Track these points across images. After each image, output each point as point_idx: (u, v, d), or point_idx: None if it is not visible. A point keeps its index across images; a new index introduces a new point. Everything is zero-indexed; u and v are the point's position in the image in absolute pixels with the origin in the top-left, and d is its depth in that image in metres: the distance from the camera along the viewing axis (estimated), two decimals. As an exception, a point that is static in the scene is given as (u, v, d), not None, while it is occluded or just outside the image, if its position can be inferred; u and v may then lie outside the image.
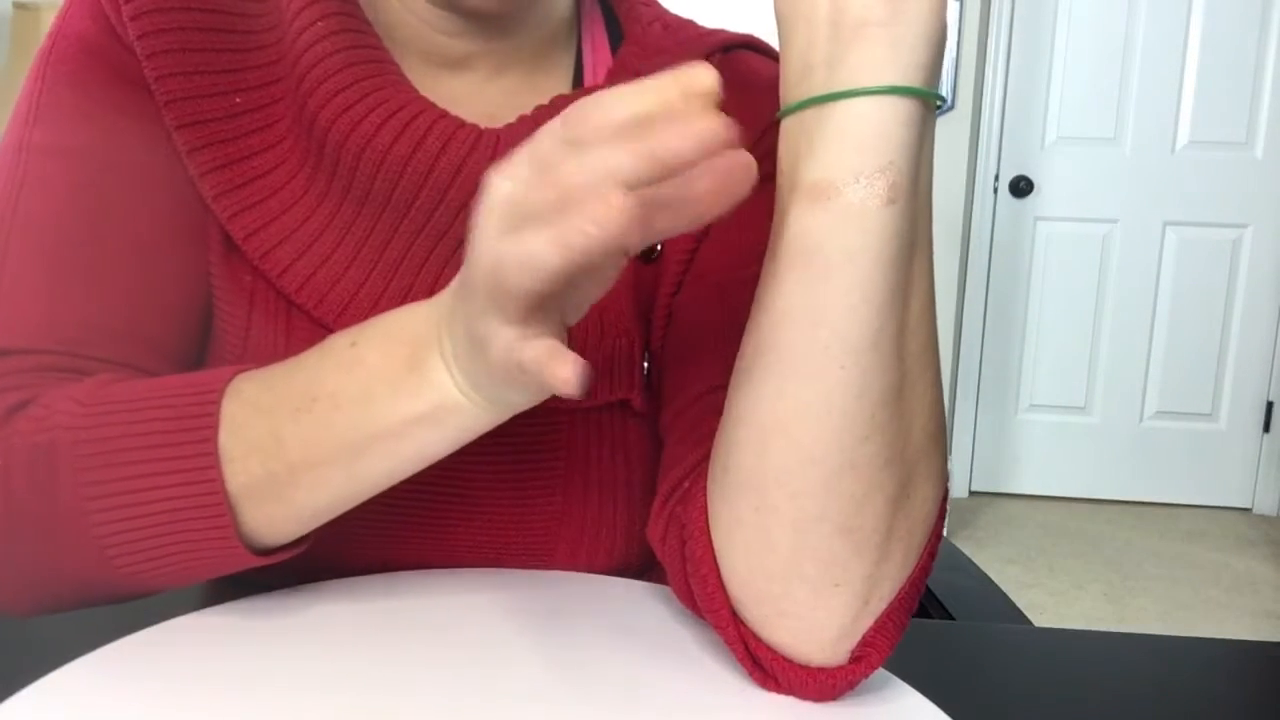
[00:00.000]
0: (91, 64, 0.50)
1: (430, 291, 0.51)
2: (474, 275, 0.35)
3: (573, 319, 0.38)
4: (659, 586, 0.52)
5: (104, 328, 0.48)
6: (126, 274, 0.49)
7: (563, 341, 0.36)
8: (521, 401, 0.40)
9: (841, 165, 0.35)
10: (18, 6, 2.16)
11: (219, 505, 0.41)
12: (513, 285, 0.33)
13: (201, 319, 0.53)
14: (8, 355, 0.46)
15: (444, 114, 0.50)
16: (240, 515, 0.42)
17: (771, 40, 0.48)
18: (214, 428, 0.42)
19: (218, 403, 0.42)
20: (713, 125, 0.30)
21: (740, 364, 0.40)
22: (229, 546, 0.42)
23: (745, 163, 0.31)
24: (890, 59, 0.35)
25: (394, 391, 0.41)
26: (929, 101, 0.37)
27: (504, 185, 0.33)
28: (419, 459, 0.42)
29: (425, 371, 0.40)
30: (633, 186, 0.30)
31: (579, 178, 0.31)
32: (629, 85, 0.31)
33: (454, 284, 0.40)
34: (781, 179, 0.39)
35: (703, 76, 0.31)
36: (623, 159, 0.30)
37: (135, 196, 0.50)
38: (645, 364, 0.55)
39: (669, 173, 0.30)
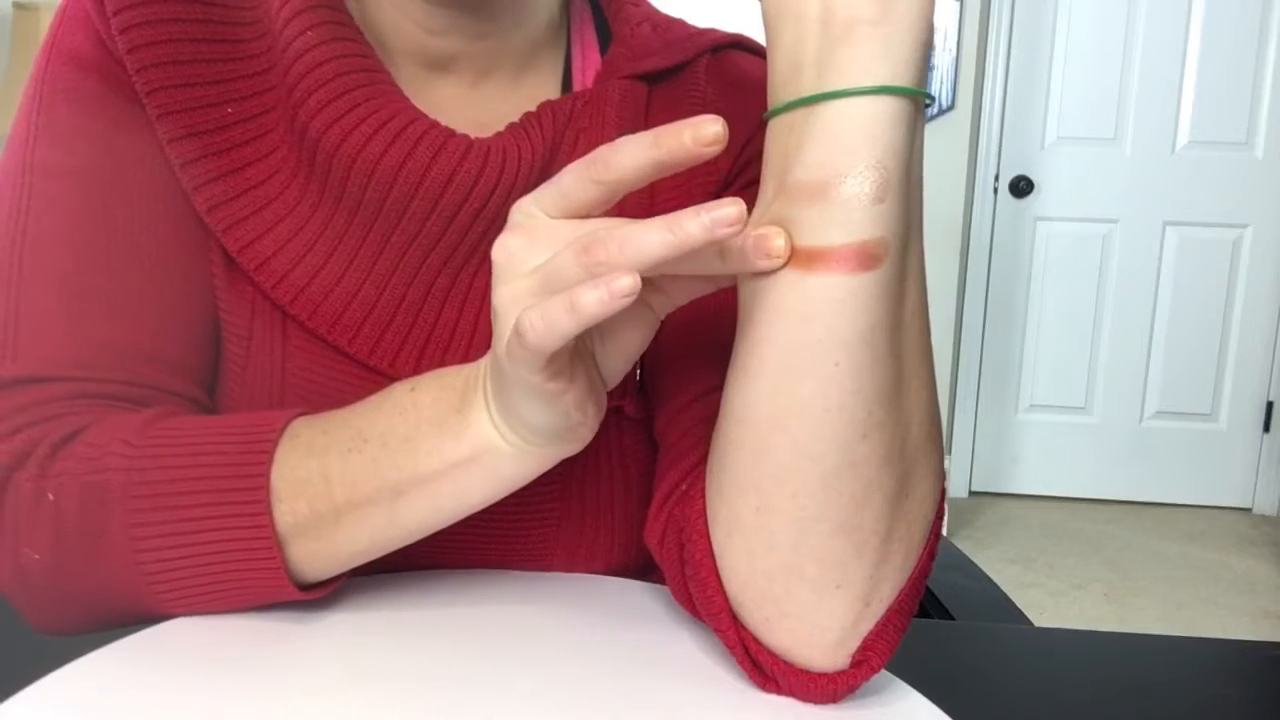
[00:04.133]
0: (87, 80, 0.49)
1: (423, 300, 0.52)
2: (497, 328, 0.39)
3: (611, 378, 0.43)
4: (658, 587, 0.52)
5: (123, 349, 0.48)
6: (139, 293, 0.49)
7: (592, 395, 0.41)
8: (554, 448, 0.43)
9: (831, 164, 0.35)
10: (18, 6, 2.16)
11: (270, 549, 0.43)
12: (530, 343, 0.36)
13: (213, 332, 0.53)
14: (37, 384, 0.46)
15: (434, 124, 0.50)
16: (286, 553, 0.44)
17: (762, 39, 0.48)
18: (266, 475, 0.43)
19: (271, 452, 0.43)
20: (733, 210, 0.34)
21: (735, 362, 0.40)
22: (277, 585, 0.44)
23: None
24: (880, 58, 0.35)
25: (438, 432, 0.42)
26: (918, 100, 0.37)
27: (522, 233, 0.39)
28: (458, 505, 0.44)
29: (467, 413, 0.42)
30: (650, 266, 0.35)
31: (603, 255, 0.35)
32: (644, 137, 0.36)
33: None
34: (766, 178, 0.39)
35: (710, 128, 0.35)
36: (648, 244, 0.34)
37: (140, 214, 0.50)
38: (638, 370, 0.54)
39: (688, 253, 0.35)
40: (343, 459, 0.43)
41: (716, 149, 0.35)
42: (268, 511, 0.43)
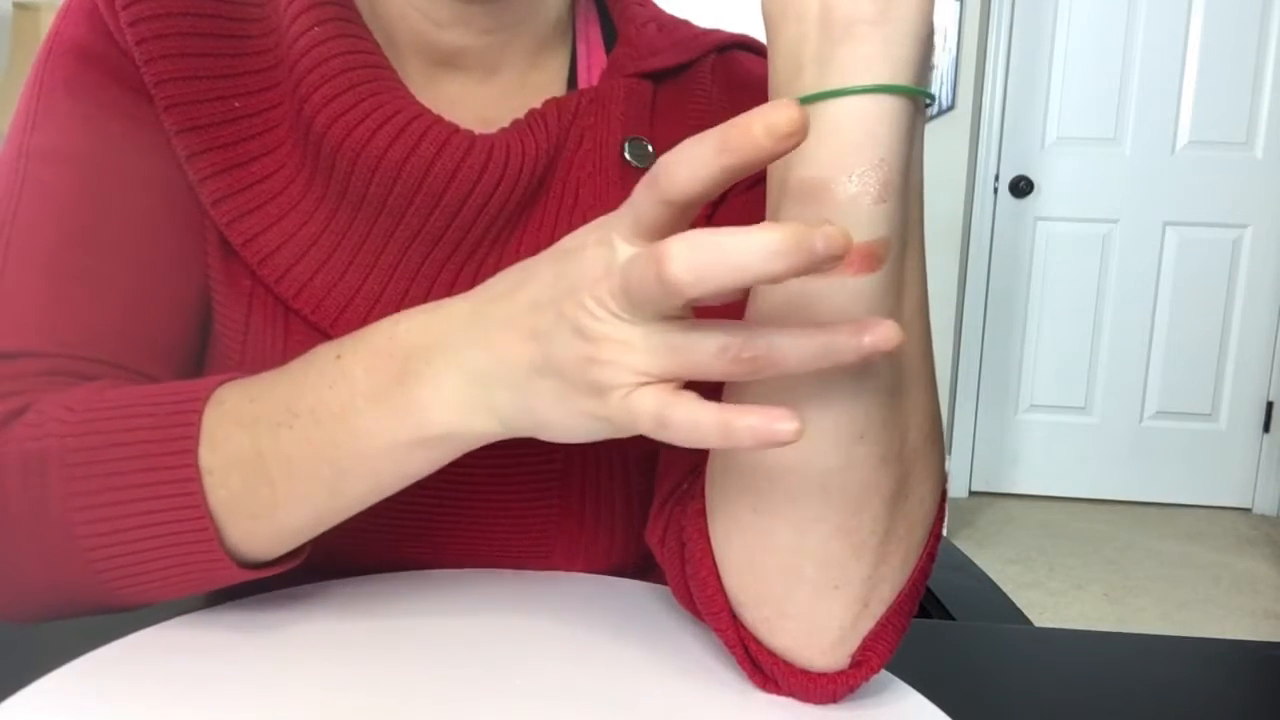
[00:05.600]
0: (89, 69, 0.50)
1: (426, 295, 0.51)
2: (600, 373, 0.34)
3: None
4: (659, 586, 0.52)
5: (104, 330, 0.48)
6: (126, 277, 0.49)
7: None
8: (526, 434, 0.38)
9: (833, 164, 0.35)
10: (18, 6, 2.16)
11: (201, 520, 0.41)
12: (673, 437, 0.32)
13: (201, 321, 0.53)
14: (9, 359, 0.46)
15: (438, 119, 0.50)
16: (224, 530, 0.42)
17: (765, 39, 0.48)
18: (194, 439, 0.41)
19: (199, 412, 0.41)
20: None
21: None
22: (215, 561, 0.42)
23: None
24: (880, 57, 0.35)
25: (377, 408, 0.39)
26: (918, 99, 0.37)
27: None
28: (403, 478, 0.41)
29: (412, 387, 0.38)
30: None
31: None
32: (708, 140, 0.30)
33: (479, 296, 0.38)
34: (771, 178, 0.39)
35: (783, 113, 0.28)
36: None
37: (134, 201, 0.50)
38: None
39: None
40: (273, 434, 0.40)
41: (797, 140, 0.28)
42: (196, 479, 0.40)
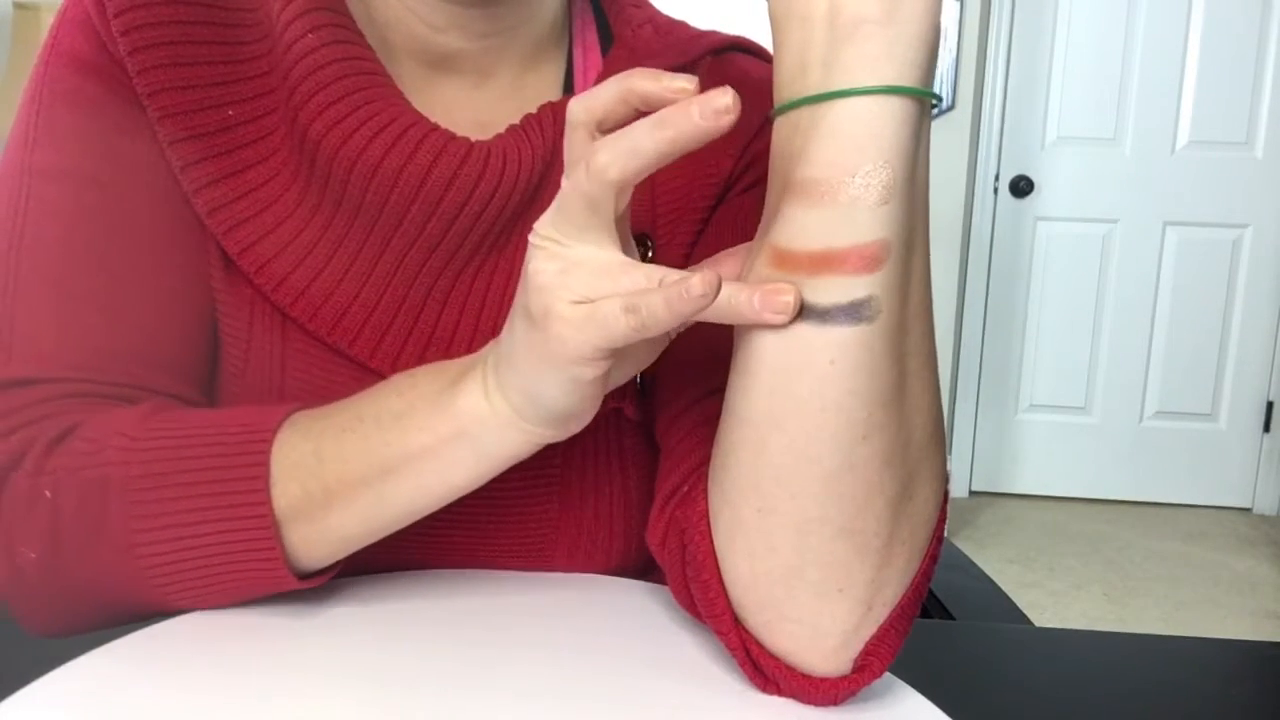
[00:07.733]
0: (86, 81, 0.49)
1: (423, 303, 0.52)
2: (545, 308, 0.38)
3: (614, 383, 0.43)
4: (659, 587, 0.52)
5: (118, 351, 0.48)
6: (136, 295, 0.49)
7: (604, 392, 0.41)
8: (547, 430, 0.42)
9: (837, 164, 0.35)
10: (18, 6, 2.16)
11: (269, 539, 0.43)
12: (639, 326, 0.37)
13: (210, 333, 0.53)
14: (31, 385, 0.46)
15: (434, 127, 0.50)
16: (284, 539, 0.44)
17: (763, 41, 0.48)
18: (266, 464, 0.43)
19: (271, 440, 0.44)
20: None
21: (735, 361, 0.40)
22: (276, 574, 0.44)
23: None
24: (886, 58, 0.35)
25: (429, 407, 0.43)
26: (924, 101, 0.36)
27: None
28: (445, 484, 0.44)
29: (459, 386, 0.42)
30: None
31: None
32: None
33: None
34: (773, 178, 0.38)
35: (721, 99, 0.34)
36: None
37: (138, 216, 0.50)
38: (638, 373, 0.54)
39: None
40: (337, 439, 0.43)
41: (730, 120, 0.34)
42: (268, 500, 0.43)
